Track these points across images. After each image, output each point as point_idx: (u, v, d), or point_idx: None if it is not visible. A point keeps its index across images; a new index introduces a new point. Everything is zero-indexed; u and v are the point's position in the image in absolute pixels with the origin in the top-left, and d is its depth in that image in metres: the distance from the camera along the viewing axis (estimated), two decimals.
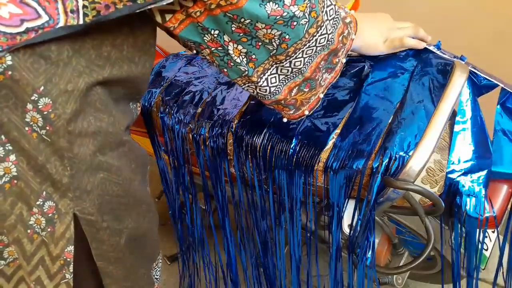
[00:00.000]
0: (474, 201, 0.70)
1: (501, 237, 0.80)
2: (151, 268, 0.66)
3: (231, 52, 0.53)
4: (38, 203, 0.48)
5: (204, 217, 1.03)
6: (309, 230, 0.88)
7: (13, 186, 0.47)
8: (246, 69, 0.56)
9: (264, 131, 0.79)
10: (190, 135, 0.88)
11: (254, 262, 0.98)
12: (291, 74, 0.59)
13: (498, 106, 0.76)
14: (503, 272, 0.79)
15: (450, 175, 0.71)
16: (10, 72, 0.42)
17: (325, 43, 0.56)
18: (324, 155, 0.74)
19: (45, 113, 0.44)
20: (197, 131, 0.86)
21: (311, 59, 0.57)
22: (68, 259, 0.51)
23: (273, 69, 0.57)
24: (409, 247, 1.08)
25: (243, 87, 0.60)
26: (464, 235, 0.74)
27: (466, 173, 0.71)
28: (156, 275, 0.70)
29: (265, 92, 0.60)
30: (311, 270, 0.91)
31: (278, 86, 0.60)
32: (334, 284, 0.84)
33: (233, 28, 0.50)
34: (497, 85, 0.75)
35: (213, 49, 0.53)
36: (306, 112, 0.68)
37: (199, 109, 0.89)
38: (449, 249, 0.82)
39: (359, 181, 0.72)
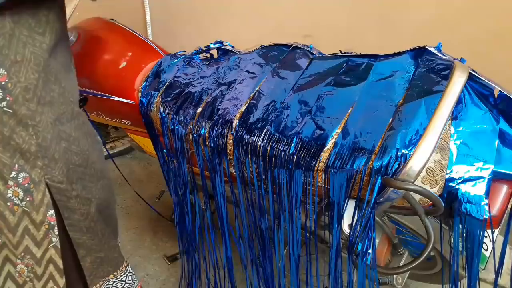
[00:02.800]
0: (475, 206, 0.70)
1: (501, 237, 0.80)
2: (117, 243, 0.69)
3: None
4: (12, 175, 0.50)
5: (204, 217, 1.03)
6: (308, 230, 0.88)
7: None
8: None
9: (264, 130, 0.79)
10: (190, 135, 0.88)
11: (253, 262, 0.98)
12: None
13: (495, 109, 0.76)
14: (500, 272, 0.79)
15: (449, 183, 0.71)
16: None
17: None
18: (324, 154, 0.74)
19: (2, 83, 0.47)
20: (197, 131, 0.86)
21: None
22: (52, 223, 0.53)
23: None
24: (409, 247, 1.08)
25: None
26: (464, 235, 0.74)
27: (465, 181, 0.71)
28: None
29: None
30: (311, 270, 0.90)
31: None
32: (334, 284, 0.84)
33: None
34: (493, 89, 0.76)
35: None
36: None
37: (199, 110, 0.89)
38: (449, 249, 0.82)
39: (359, 181, 0.72)
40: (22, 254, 0.53)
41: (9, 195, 0.50)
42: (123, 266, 0.69)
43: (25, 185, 0.50)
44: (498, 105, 0.76)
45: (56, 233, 0.54)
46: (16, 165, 0.49)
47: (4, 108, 0.47)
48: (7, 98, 0.47)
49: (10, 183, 0.50)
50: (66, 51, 0.58)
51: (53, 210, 0.53)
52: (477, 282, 0.77)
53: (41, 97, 0.50)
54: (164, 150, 0.99)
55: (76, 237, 0.57)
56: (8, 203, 0.51)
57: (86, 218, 0.57)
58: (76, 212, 0.55)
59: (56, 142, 0.51)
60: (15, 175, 0.50)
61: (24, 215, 0.52)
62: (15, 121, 0.48)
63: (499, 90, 0.76)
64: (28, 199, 0.51)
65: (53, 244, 0.54)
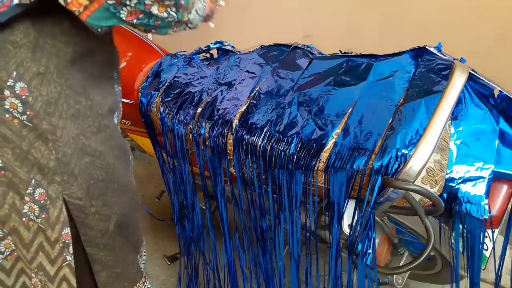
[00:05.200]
0: (475, 206, 0.70)
1: (501, 237, 0.80)
2: (137, 259, 0.67)
3: (155, 12, 0.49)
4: (28, 191, 0.48)
5: (204, 217, 1.03)
6: (308, 230, 0.88)
7: (1, 177, 0.47)
8: (176, 16, 0.52)
9: (264, 130, 0.79)
10: (190, 135, 0.88)
11: (253, 261, 0.98)
12: None
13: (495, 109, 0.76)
14: (498, 272, 0.79)
15: (449, 183, 0.71)
16: None
17: None
18: (324, 154, 0.74)
19: (23, 97, 0.45)
20: (197, 131, 0.86)
21: None
22: (67, 241, 0.52)
23: None
24: (409, 247, 1.08)
25: (174, 33, 0.57)
26: (464, 235, 0.74)
27: (465, 181, 0.71)
28: (141, 267, 0.70)
29: (198, 21, 0.56)
30: (311, 270, 0.90)
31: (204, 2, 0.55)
32: (334, 284, 0.84)
33: None
34: (493, 89, 0.76)
35: (134, 21, 0.50)
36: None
37: (199, 110, 0.89)
38: (449, 249, 0.82)
39: (359, 181, 0.72)
40: (36, 270, 0.52)
41: (25, 211, 0.49)
42: (141, 282, 0.67)
43: (41, 202, 0.49)
44: (498, 105, 0.76)
45: (71, 251, 0.53)
46: (33, 181, 0.48)
47: (24, 121, 0.46)
48: (28, 112, 0.46)
49: (27, 198, 0.49)
50: (101, 61, 0.55)
51: (68, 228, 0.51)
52: (478, 282, 0.77)
53: (63, 111, 0.48)
54: (164, 151, 0.99)
55: (93, 252, 0.55)
56: (24, 219, 0.50)
57: (104, 235, 0.55)
58: (93, 229, 0.54)
59: (77, 157, 0.50)
60: (31, 191, 0.49)
61: (39, 231, 0.51)
62: (34, 135, 0.47)
63: (499, 90, 0.76)
64: (43, 216, 0.50)
65: (67, 262, 0.53)
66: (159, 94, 0.96)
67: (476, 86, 0.76)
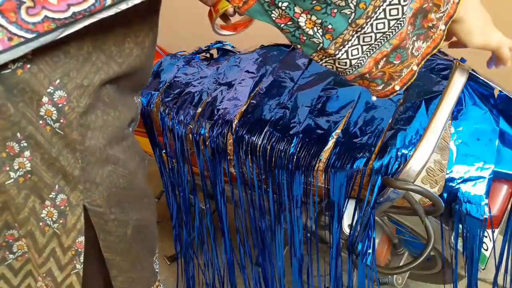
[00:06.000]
0: (475, 206, 0.70)
1: (501, 237, 0.80)
2: (153, 261, 0.67)
3: (302, 24, 0.48)
4: (51, 196, 0.48)
5: (204, 217, 1.03)
6: (309, 230, 0.88)
7: (27, 180, 0.47)
8: (321, 41, 0.50)
9: (264, 130, 0.79)
10: (190, 135, 0.88)
11: (253, 261, 0.98)
12: (376, 43, 0.51)
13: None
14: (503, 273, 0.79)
15: (449, 183, 0.71)
16: (29, 66, 0.42)
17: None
18: (324, 154, 0.74)
19: (59, 105, 0.45)
20: (197, 131, 0.86)
21: (400, 24, 0.50)
22: (79, 250, 0.52)
23: (354, 39, 0.50)
24: (409, 247, 1.08)
25: (320, 62, 0.54)
26: (464, 235, 0.74)
27: (465, 181, 0.71)
28: (157, 269, 0.70)
29: (345, 65, 0.53)
30: (312, 270, 0.90)
31: (360, 58, 0.52)
32: (334, 284, 0.84)
33: None
34: (493, 89, 0.76)
35: (282, 25, 0.49)
36: (397, 88, 0.57)
37: (199, 110, 0.89)
38: (448, 249, 0.82)
39: (359, 181, 0.72)
40: (44, 275, 0.52)
41: (43, 215, 0.49)
42: (155, 286, 0.68)
43: (61, 207, 0.49)
44: (498, 105, 0.76)
45: (82, 260, 0.52)
46: (57, 186, 0.48)
47: (56, 129, 0.46)
48: (61, 121, 0.45)
49: (47, 203, 0.49)
50: (138, 80, 0.55)
51: (83, 237, 0.51)
52: (477, 282, 0.77)
53: (92, 122, 0.48)
54: (163, 151, 0.99)
55: (111, 258, 0.55)
56: (41, 223, 0.50)
57: (122, 240, 0.55)
58: (112, 234, 0.54)
59: (100, 166, 0.50)
60: (54, 196, 0.49)
61: (54, 237, 0.51)
62: (64, 143, 0.47)
63: (499, 90, 0.76)
64: (61, 221, 0.50)
65: (76, 271, 0.53)
66: (159, 94, 0.96)
67: (476, 86, 0.76)
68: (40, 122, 0.45)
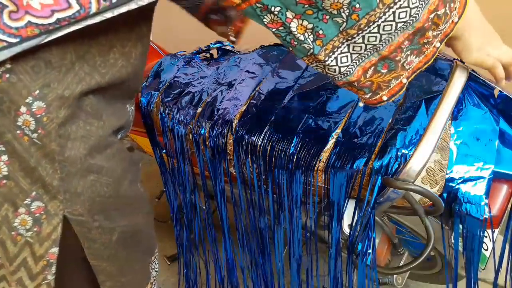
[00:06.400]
0: (475, 207, 0.70)
1: (501, 237, 0.80)
2: (150, 261, 0.66)
3: (294, 30, 0.48)
4: (25, 202, 0.48)
5: (204, 217, 1.03)
6: (309, 230, 0.88)
7: (1, 187, 0.47)
8: (312, 47, 0.50)
9: (264, 130, 0.79)
10: (190, 135, 0.88)
11: (253, 261, 0.98)
12: (365, 52, 0.52)
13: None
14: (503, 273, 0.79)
15: (449, 183, 0.71)
16: (7, 75, 0.42)
17: (407, 18, 0.48)
18: (324, 154, 0.74)
19: (38, 116, 0.44)
20: (197, 131, 0.86)
21: (390, 38, 0.50)
22: (51, 260, 0.51)
23: (344, 47, 0.51)
24: (409, 247, 1.08)
25: (311, 65, 0.55)
26: (464, 235, 0.74)
27: (465, 181, 0.71)
28: (156, 268, 0.70)
29: (334, 72, 0.53)
30: (311, 270, 0.90)
31: (350, 66, 0.53)
32: (334, 284, 0.84)
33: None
34: (493, 89, 0.76)
35: (273, 30, 0.49)
36: (385, 98, 0.58)
37: (199, 110, 0.89)
38: (449, 249, 0.82)
39: (359, 181, 0.72)
40: (15, 283, 0.52)
41: (15, 224, 0.48)
42: (148, 287, 0.67)
43: (37, 215, 0.48)
44: (498, 105, 0.76)
45: (53, 271, 0.51)
46: (34, 193, 0.48)
47: (34, 139, 0.45)
48: (39, 131, 0.45)
49: (21, 210, 0.48)
50: (126, 90, 0.54)
51: (57, 248, 0.50)
52: (477, 282, 0.77)
53: (72, 132, 0.47)
54: (164, 151, 0.99)
55: (97, 264, 0.55)
56: (13, 232, 0.48)
57: (107, 246, 0.54)
58: (96, 242, 0.53)
59: (81, 176, 0.49)
60: (29, 202, 0.48)
61: (26, 246, 0.50)
62: (42, 154, 0.46)
63: (499, 90, 0.76)
64: (35, 229, 0.49)
65: (47, 281, 0.51)
66: (159, 94, 0.96)
67: (476, 86, 0.76)
68: (18, 132, 0.44)
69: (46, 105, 0.44)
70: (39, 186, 0.47)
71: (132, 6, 0.42)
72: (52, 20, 0.39)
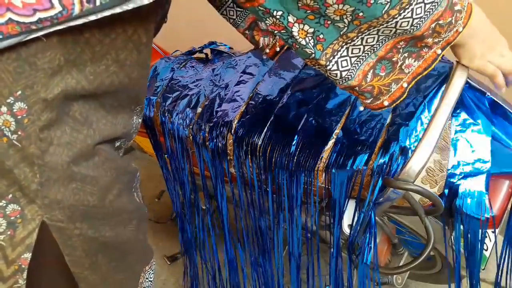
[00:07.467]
0: (475, 203, 0.70)
1: (501, 237, 0.80)
2: (142, 271, 0.65)
3: (295, 34, 0.49)
4: (1, 204, 0.46)
5: (205, 217, 1.03)
6: (309, 230, 0.88)
7: None
8: (313, 52, 0.51)
9: (264, 130, 0.79)
10: (191, 137, 0.88)
11: (253, 261, 0.98)
12: (363, 54, 0.52)
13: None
14: (501, 271, 0.79)
15: (450, 179, 0.71)
16: None
17: (408, 27, 0.48)
18: (325, 154, 0.74)
19: (19, 117, 0.43)
20: (197, 132, 0.86)
21: (387, 38, 0.51)
22: (23, 266, 0.49)
23: (343, 50, 0.51)
24: (409, 247, 1.08)
25: (313, 67, 0.55)
26: (465, 235, 0.74)
27: (466, 176, 0.71)
28: (150, 278, 0.68)
29: (336, 77, 0.53)
30: (313, 270, 0.90)
31: (350, 71, 0.53)
32: (334, 283, 0.84)
33: (300, 4, 0.46)
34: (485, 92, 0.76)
35: (276, 32, 0.50)
36: (386, 103, 0.58)
37: (199, 111, 0.89)
38: (449, 249, 0.82)
39: (359, 181, 0.72)
40: None
41: None
42: None
43: (12, 218, 0.47)
44: (491, 106, 0.76)
45: (25, 277, 0.50)
46: (10, 195, 0.46)
47: (13, 141, 0.44)
48: (19, 133, 0.43)
49: None
50: (125, 97, 0.52)
51: (30, 254, 0.49)
52: (479, 281, 0.77)
53: (56, 137, 0.46)
54: (166, 155, 0.99)
55: (78, 271, 0.53)
56: None
57: (88, 255, 0.53)
58: (77, 249, 0.51)
59: (62, 183, 0.48)
60: (4, 204, 0.46)
61: None
62: (21, 156, 0.45)
63: (487, 94, 0.76)
64: (8, 232, 0.47)
65: (18, 285, 0.50)
66: (157, 99, 0.96)
67: (473, 86, 0.77)
68: None
69: (27, 106, 0.43)
70: (16, 188, 0.46)
71: (117, 10, 0.41)
72: (34, 19, 0.39)
